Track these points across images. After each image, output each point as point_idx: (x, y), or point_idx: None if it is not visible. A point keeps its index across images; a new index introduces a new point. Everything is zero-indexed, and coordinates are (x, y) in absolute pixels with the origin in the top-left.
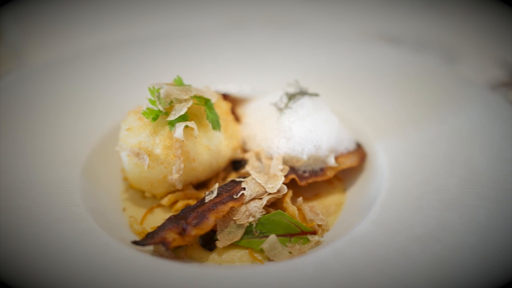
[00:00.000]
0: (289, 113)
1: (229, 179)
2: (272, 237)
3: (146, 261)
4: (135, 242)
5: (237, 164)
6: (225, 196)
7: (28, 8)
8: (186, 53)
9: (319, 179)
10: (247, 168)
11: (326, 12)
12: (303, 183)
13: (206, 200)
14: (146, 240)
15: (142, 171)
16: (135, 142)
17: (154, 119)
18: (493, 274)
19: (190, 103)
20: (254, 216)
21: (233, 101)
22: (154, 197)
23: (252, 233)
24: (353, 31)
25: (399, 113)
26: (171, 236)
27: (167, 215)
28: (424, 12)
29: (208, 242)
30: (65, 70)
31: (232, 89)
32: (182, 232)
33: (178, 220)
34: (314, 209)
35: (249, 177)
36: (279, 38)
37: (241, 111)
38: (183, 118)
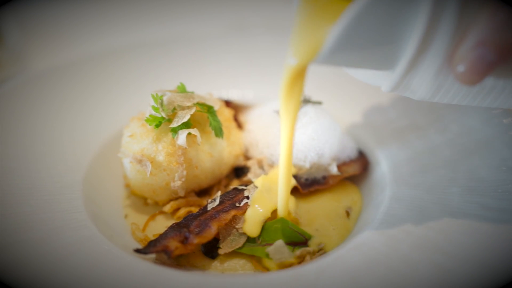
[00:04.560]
0: None
1: (231, 187)
2: (279, 241)
3: (148, 268)
4: (138, 250)
5: (239, 171)
6: (228, 204)
7: (30, 13)
8: (189, 60)
9: (321, 187)
10: (250, 175)
11: None
12: (305, 191)
13: (209, 208)
14: (149, 248)
15: (144, 178)
16: (137, 149)
17: (157, 126)
18: (496, 284)
19: (193, 110)
20: None
21: (235, 108)
22: (156, 204)
23: (255, 241)
24: None
25: (402, 121)
26: (173, 244)
27: (169, 222)
28: None
29: (211, 250)
30: (67, 76)
31: (235, 96)
32: (184, 241)
33: (180, 228)
34: None
35: (251, 185)
36: (282, 44)
37: (243, 118)
38: (186, 125)
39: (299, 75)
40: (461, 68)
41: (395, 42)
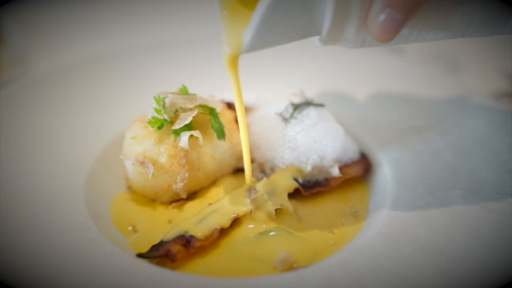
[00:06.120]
0: (294, 123)
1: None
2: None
3: (150, 270)
4: (140, 255)
5: None
6: None
7: (31, 14)
8: (191, 62)
9: (323, 189)
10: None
11: None
12: (307, 193)
13: None
14: (151, 252)
15: (146, 180)
16: (139, 151)
17: (159, 128)
18: (498, 286)
19: (195, 112)
20: None
21: None
22: None
23: None
24: None
25: (403, 123)
26: (176, 248)
27: None
28: None
29: None
30: (69, 78)
31: None
32: (187, 244)
33: None
34: None
35: (252, 187)
36: (284, 47)
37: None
38: (188, 127)
39: (234, 59)
40: (373, 29)
41: (311, 22)
